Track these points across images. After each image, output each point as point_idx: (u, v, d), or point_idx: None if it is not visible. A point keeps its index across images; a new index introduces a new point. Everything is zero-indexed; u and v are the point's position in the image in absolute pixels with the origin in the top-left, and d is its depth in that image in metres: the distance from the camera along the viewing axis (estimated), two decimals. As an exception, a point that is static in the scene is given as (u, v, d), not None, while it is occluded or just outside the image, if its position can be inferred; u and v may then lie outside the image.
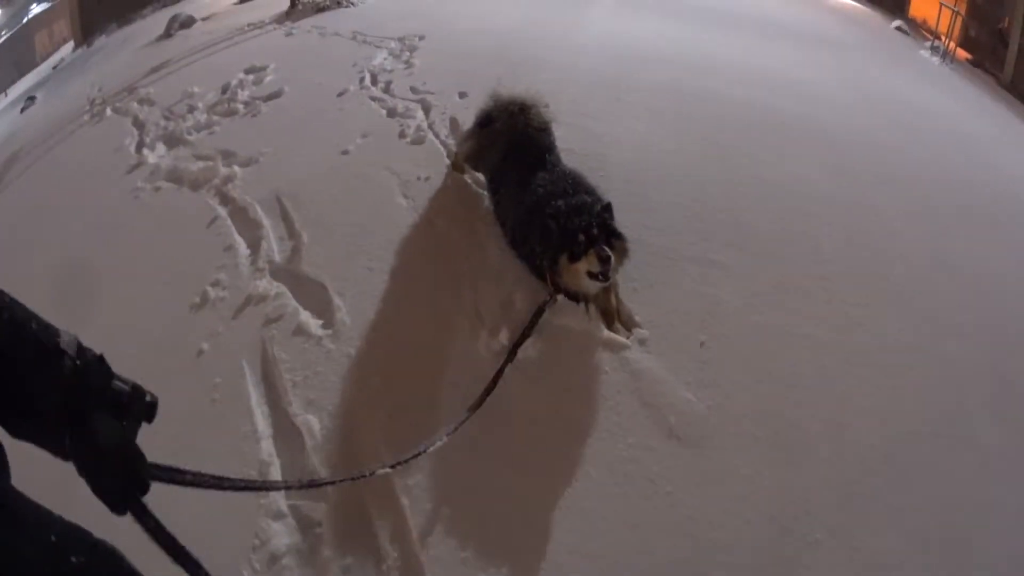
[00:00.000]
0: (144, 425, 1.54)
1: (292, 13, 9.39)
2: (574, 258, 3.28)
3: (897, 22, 13.55)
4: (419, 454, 2.74)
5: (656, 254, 3.60)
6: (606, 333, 3.43)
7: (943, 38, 12.06)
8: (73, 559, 1.46)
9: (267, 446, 3.03)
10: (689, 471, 2.94)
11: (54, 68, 13.95)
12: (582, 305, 3.48)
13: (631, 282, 3.67)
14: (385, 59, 6.88)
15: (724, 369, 3.36)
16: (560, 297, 3.49)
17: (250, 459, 2.97)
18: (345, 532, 2.73)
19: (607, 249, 3.23)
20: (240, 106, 6.20)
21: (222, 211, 4.61)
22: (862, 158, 5.66)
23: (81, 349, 1.46)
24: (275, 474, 2.92)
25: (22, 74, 15.21)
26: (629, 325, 3.50)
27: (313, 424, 3.08)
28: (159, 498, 1.55)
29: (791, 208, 4.60)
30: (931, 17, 13.15)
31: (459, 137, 4.66)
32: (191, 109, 6.39)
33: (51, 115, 8.31)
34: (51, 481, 1.51)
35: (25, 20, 17.71)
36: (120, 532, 1.57)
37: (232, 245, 4.25)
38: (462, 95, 5.74)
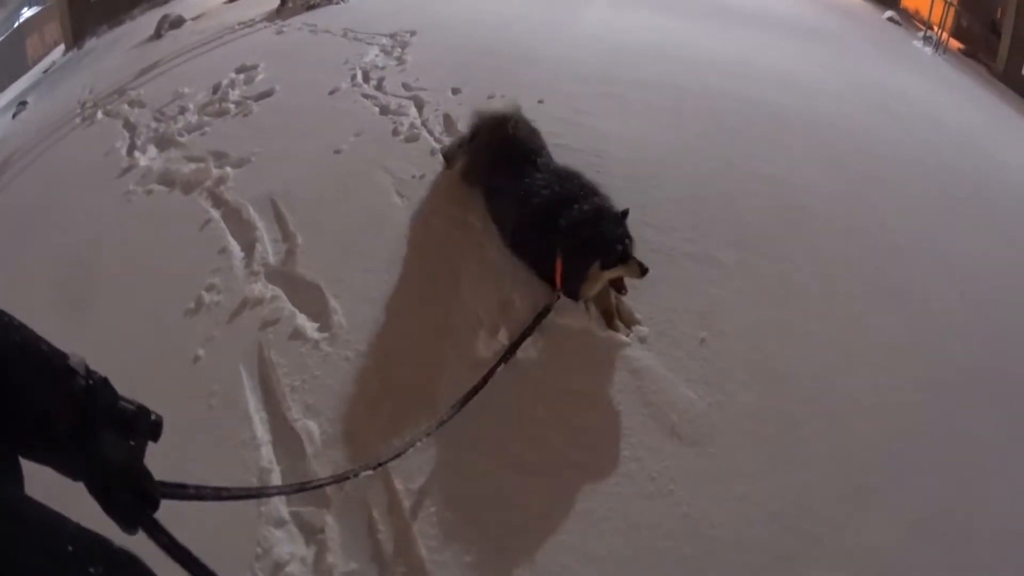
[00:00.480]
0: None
1: (282, 11, 9.35)
2: (607, 266, 3.29)
3: (889, 13, 13.51)
4: (402, 453, 2.78)
5: (655, 251, 3.58)
6: (606, 332, 3.41)
7: (935, 28, 12.04)
8: (91, 569, 1.43)
9: (267, 452, 3.01)
10: (690, 469, 2.93)
11: (45, 72, 13.89)
12: (582, 304, 3.46)
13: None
14: (377, 56, 6.85)
15: (725, 366, 3.35)
16: (559, 294, 3.49)
17: (250, 466, 2.95)
18: (348, 537, 2.71)
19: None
20: (231, 106, 6.17)
21: (215, 213, 4.58)
22: (857, 151, 5.64)
23: (89, 370, 1.47)
24: (275, 481, 2.89)
25: (13, 79, 15.13)
26: (629, 323, 3.49)
27: (312, 429, 3.06)
28: (160, 513, 1.53)
29: (788, 203, 4.58)
30: (923, 7, 13.12)
31: (451, 144, 4.62)
32: (182, 110, 6.35)
33: (42, 119, 8.27)
34: (62, 484, 1.49)
35: (16, 24, 17.64)
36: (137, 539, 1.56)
37: (226, 248, 4.22)
38: (455, 91, 5.72)
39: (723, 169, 4.82)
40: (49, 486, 1.43)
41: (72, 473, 1.44)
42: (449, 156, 4.54)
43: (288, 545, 2.68)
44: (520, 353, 3.25)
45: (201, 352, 3.54)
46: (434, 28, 7.51)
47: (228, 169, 5.05)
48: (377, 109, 5.60)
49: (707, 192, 4.48)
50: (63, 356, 1.45)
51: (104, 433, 1.43)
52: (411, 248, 3.98)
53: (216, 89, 6.60)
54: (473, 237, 4.00)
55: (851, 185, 5.02)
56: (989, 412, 3.46)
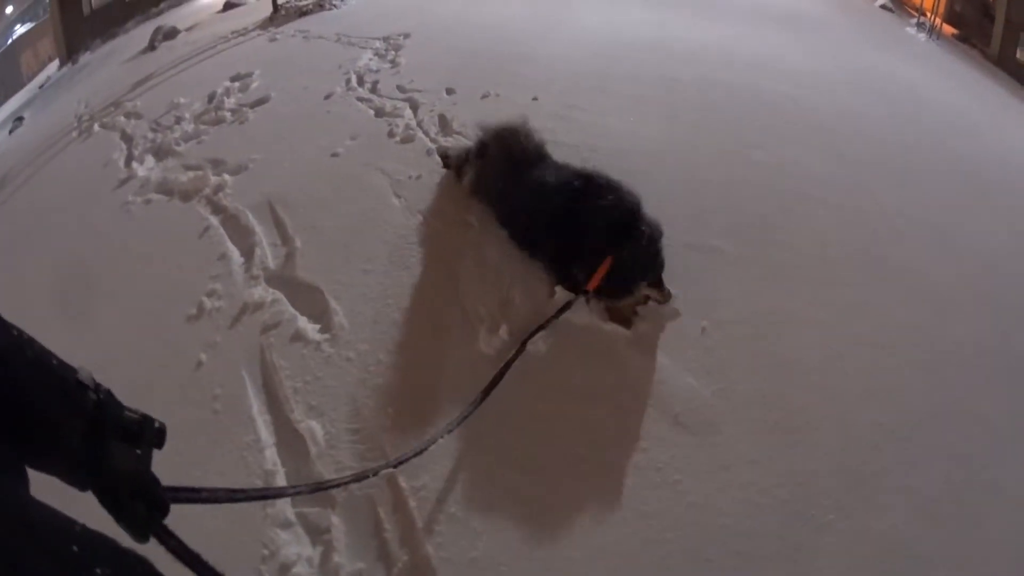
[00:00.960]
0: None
1: (275, 18, 9.37)
2: (651, 285, 3.44)
3: (882, 0, 13.51)
4: (423, 451, 2.76)
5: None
6: (609, 325, 3.42)
7: (929, 14, 12.02)
8: (98, 570, 1.43)
9: (271, 455, 3.01)
10: (696, 459, 2.92)
11: (40, 87, 13.91)
12: (581, 298, 3.45)
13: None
14: (371, 59, 6.87)
15: (727, 355, 3.35)
16: (558, 289, 3.51)
17: (255, 469, 2.94)
18: (354, 537, 2.70)
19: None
20: (227, 114, 6.18)
21: (214, 220, 4.58)
22: (854, 138, 5.64)
23: (96, 384, 1.48)
24: (281, 482, 2.89)
25: (9, 95, 15.15)
26: (630, 315, 3.48)
27: (316, 430, 3.06)
28: (169, 517, 1.53)
29: (786, 190, 4.59)
30: (916, -6, 13.15)
31: (454, 151, 4.60)
32: (178, 120, 6.37)
33: (39, 134, 8.27)
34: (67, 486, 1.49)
35: (9, 41, 17.67)
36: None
37: (226, 254, 4.22)
38: (449, 91, 5.73)
39: (719, 158, 4.83)
40: (53, 487, 1.43)
41: (80, 484, 1.44)
42: (447, 159, 4.55)
43: (294, 546, 2.68)
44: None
45: (203, 357, 3.54)
46: (427, 30, 7.53)
47: (226, 176, 5.05)
48: (372, 112, 5.61)
49: (704, 182, 4.49)
50: (73, 371, 1.46)
51: (113, 444, 1.44)
52: (410, 249, 3.98)
53: (212, 98, 6.61)
54: (471, 236, 4.00)
55: (848, 170, 5.02)
56: (995, 392, 3.44)
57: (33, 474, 1.42)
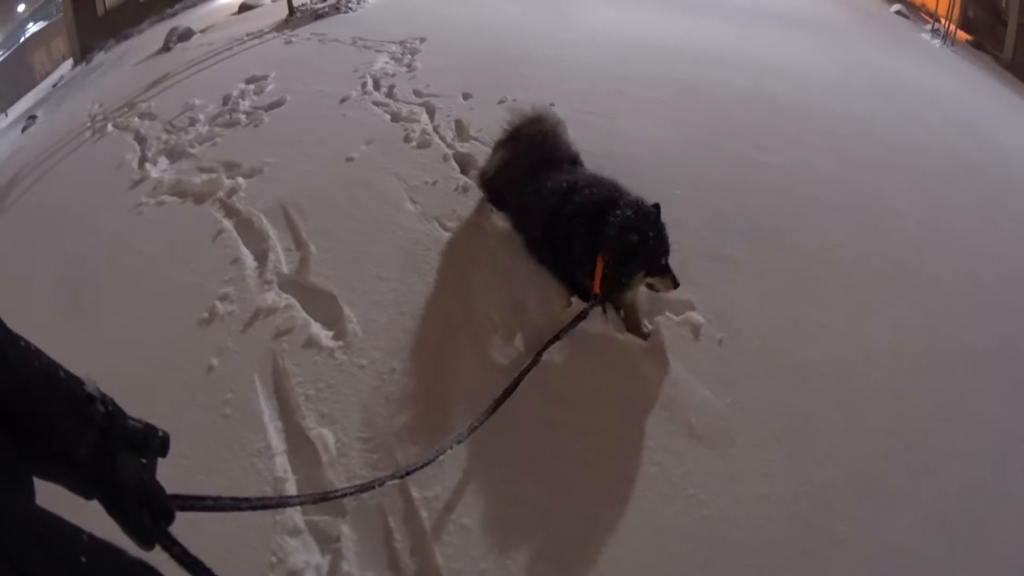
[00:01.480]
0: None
1: (291, 21, 9.40)
2: (651, 273, 3.30)
3: (896, 6, 13.47)
4: (429, 462, 2.71)
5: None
6: (624, 335, 3.39)
7: (943, 20, 12.00)
8: None
9: (282, 462, 2.99)
10: (710, 471, 2.89)
11: (54, 86, 13.99)
12: (599, 307, 3.42)
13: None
14: (386, 63, 6.88)
15: (742, 365, 3.33)
16: (574, 299, 3.50)
17: (265, 476, 2.92)
18: (364, 546, 2.68)
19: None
20: (242, 116, 6.20)
21: (227, 223, 4.59)
22: (867, 143, 5.64)
23: (103, 394, 1.49)
24: (291, 490, 2.87)
25: (22, 93, 15.25)
26: (646, 326, 3.46)
27: (328, 438, 3.04)
28: (175, 523, 1.53)
29: (799, 196, 4.58)
30: (930, 0, 13.09)
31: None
32: (192, 122, 6.39)
33: (52, 133, 8.31)
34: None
35: (22, 39, 17.78)
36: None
37: (239, 258, 4.21)
38: (466, 96, 5.74)
39: (733, 164, 4.82)
40: (58, 495, 1.42)
41: (86, 493, 1.45)
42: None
43: (303, 554, 2.66)
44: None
45: (215, 362, 3.52)
46: (443, 33, 7.54)
47: (240, 179, 5.06)
48: (388, 116, 5.62)
49: (718, 188, 4.48)
50: (79, 382, 1.46)
51: (120, 454, 1.45)
52: (425, 255, 3.97)
53: (226, 100, 6.64)
54: (486, 242, 3.99)
55: (860, 175, 5.03)
56: (1007, 398, 3.41)
57: (38, 482, 1.41)
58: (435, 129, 5.29)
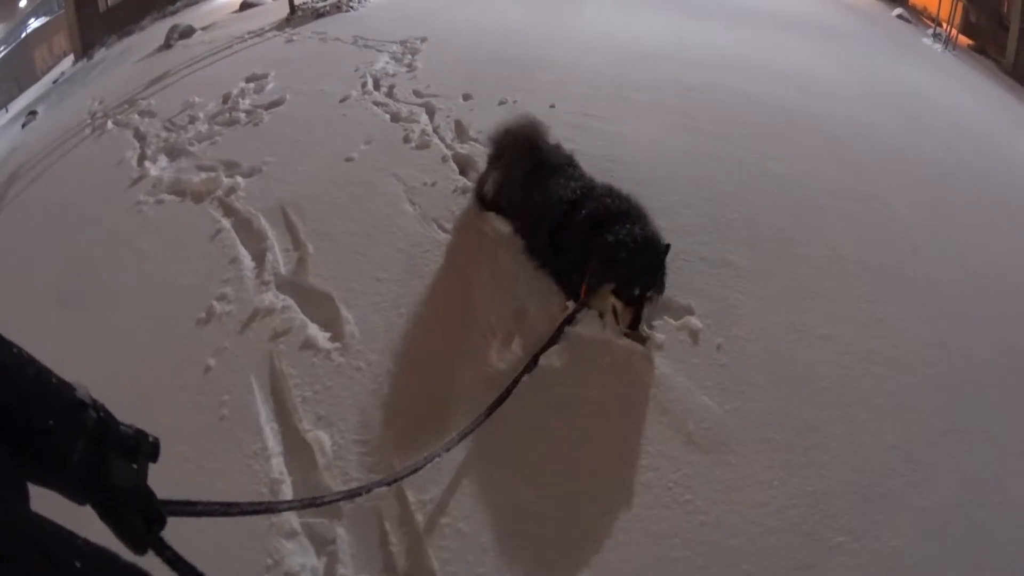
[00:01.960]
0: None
1: (292, 20, 9.39)
2: (619, 296, 3.24)
3: (898, 10, 13.52)
4: (419, 468, 2.73)
5: (670, 256, 3.53)
6: (622, 340, 3.37)
7: (944, 25, 12.02)
8: None
9: (278, 464, 2.98)
10: (709, 478, 2.88)
11: (55, 82, 13.99)
12: (597, 313, 3.41)
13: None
14: (387, 63, 6.88)
15: (741, 372, 3.31)
16: (569, 303, 3.48)
17: (261, 477, 2.92)
18: (360, 549, 2.68)
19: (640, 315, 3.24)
20: (242, 115, 6.19)
21: (226, 223, 4.58)
22: (870, 149, 5.62)
23: (94, 401, 1.50)
24: (287, 492, 2.87)
25: (23, 89, 15.26)
26: (644, 331, 3.44)
27: (324, 440, 3.03)
28: (171, 526, 1.55)
29: (802, 203, 4.56)
30: (932, 4, 13.10)
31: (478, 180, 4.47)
32: (192, 120, 6.39)
33: (52, 129, 8.31)
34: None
35: (23, 35, 17.79)
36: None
37: (237, 258, 4.21)
38: (466, 97, 5.74)
39: (736, 170, 4.80)
40: (53, 501, 1.42)
41: (79, 498, 1.46)
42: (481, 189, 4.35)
43: (299, 557, 2.65)
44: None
45: (212, 362, 3.51)
46: (444, 34, 7.54)
47: (239, 178, 5.05)
48: (388, 116, 5.61)
49: (720, 194, 4.45)
50: (71, 388, 1.47)
51: (112, 460, 1.46)
52: (424, 257, 3.96)
53: (226, 98, 6.63)
54: (485, 245, 3.98)
55: (865, 182, 4.99)
56: (1009, 410, 3.40)
57: (32, 488, 1.41)
58: (435, 130, 5.28)
